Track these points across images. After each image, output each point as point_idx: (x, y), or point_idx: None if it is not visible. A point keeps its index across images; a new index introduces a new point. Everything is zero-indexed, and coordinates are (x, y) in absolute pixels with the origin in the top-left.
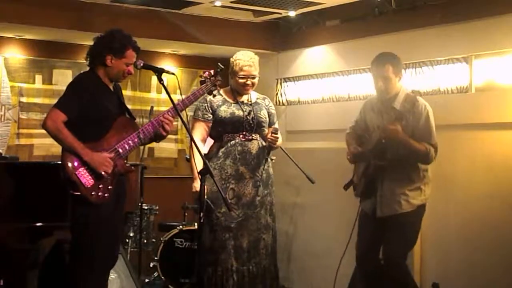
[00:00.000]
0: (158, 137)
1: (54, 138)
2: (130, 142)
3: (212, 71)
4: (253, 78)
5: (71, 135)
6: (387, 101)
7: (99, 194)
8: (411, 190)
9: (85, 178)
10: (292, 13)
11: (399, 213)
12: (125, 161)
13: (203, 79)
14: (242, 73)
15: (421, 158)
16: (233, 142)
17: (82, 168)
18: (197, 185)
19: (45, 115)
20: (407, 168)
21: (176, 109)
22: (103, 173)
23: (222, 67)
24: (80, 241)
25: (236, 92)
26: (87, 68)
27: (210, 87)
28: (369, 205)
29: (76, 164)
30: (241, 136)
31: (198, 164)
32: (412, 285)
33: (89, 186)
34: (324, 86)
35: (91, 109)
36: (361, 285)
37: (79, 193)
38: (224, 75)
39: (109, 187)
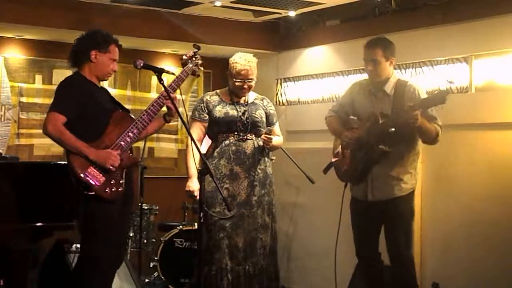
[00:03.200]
0: (169, 115)
1: (58, 142)
2: (130, 134)
3: (191, 52)
4: (250, 81)
5: (73, 136)
6: (378, 85)
7: (113, 190)
8: (403, 174)
9: (95, 177)
10: (292, 13)
11: (393, 197)
12: (130, 153)
13: (183, 61)
14: (239, 77)
15: (432, 139)
16: (227, 142)
17: (91, 168)
18: (191, 184)
19: (45, 115)
20: (400, 153)
21: (171, 98)
22: (111, 167)
23: (199, 46)
24: (89, 239)
25: (233, 94)
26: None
27: (193, 68)
28: (360, 190)
29: (83, 165)
30: (235, 136)
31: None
32: (414, 283)
33: (100, 184)
34: (324, 86)
35: (87, 108)
36: (363, 281)
37: (93, 193)
38: (223, 75)
39: (121, 181)
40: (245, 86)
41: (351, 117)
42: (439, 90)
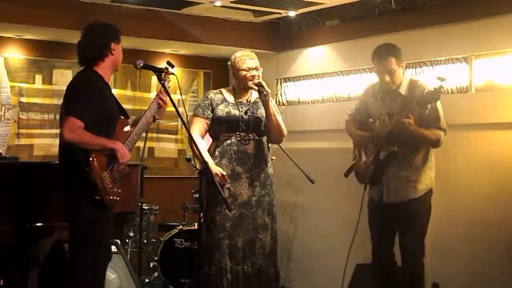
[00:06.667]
0: (157, 114)
1: (79, 146)
2: (129, 144)
3: (166, 69)
4: (257, 69)
5: (92, 135)
6: (393, 90)
7: (114, 198)
8: (416, 175)
9: (107, 182)
10: (292, 13)
11: (407, 200)
12: None
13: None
14: (245, 65)
15: (432, 144)
16: (229, 141)
17: (104, 174)
18: (214, 169)
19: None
20: (411, 153)
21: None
22: (121, 162)
23: (173, 64)
24: (86, 244)
25: (237, 92)
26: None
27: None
28: (376, 192)
29: (100, 169)
30: (237, 136)
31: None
32: (421, 286)
33: (108, 190)
34: (324, 86)
35: (103, 112)
36: (376, 280)
37: (98, 198)
38: (223, 75)
39: (119, 190)
40: (254, 73)
41: (370, 120)
42: (432, 88)
